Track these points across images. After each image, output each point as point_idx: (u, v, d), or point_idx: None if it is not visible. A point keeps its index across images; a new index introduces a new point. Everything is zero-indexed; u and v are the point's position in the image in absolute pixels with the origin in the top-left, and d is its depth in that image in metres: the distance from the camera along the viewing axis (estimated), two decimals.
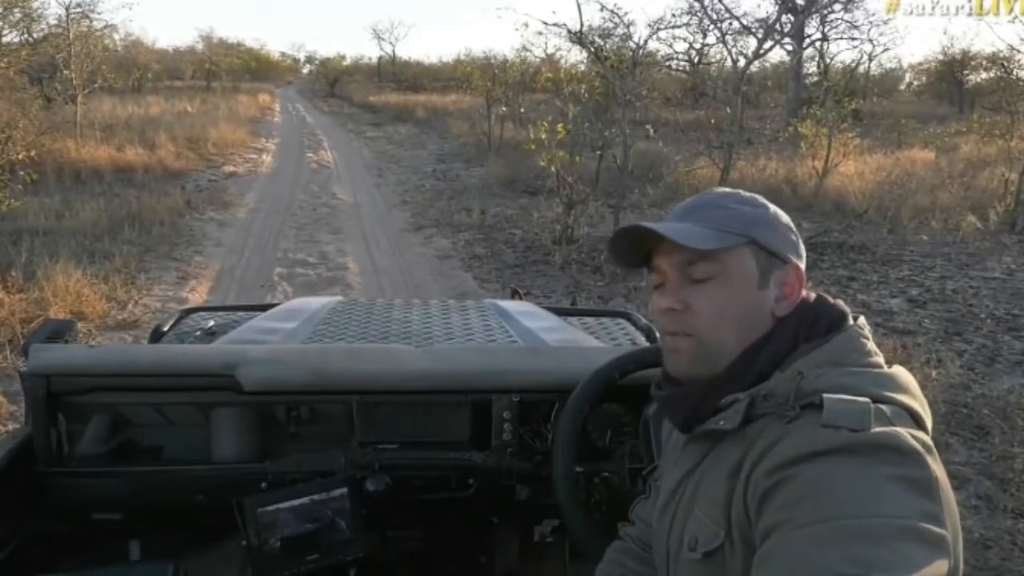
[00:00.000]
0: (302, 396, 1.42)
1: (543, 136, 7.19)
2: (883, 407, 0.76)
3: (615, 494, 1.32)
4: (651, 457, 1.25)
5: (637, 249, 0.96)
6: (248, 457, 1.41)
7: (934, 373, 4.29)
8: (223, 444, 1.41)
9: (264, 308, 2.15)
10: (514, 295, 2.59)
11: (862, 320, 0.90)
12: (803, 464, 0.72)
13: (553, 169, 7.50)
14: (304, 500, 1.31)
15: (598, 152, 8.58)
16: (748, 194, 0.95)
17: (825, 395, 0.76)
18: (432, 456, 1.42)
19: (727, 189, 0.96)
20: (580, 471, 1.32)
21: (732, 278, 0.88)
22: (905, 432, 0.73)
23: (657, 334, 1.89)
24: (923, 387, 0.84)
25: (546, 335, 1.79)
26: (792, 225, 0.94)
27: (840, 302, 0.93)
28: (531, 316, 2.00)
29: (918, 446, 0.72)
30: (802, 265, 0.92)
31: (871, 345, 0.86)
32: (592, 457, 1.37)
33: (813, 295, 0.93)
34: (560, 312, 2.19)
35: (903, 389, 0.81)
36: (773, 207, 0.94)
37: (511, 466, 1.41)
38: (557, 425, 1.31)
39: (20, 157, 7.61)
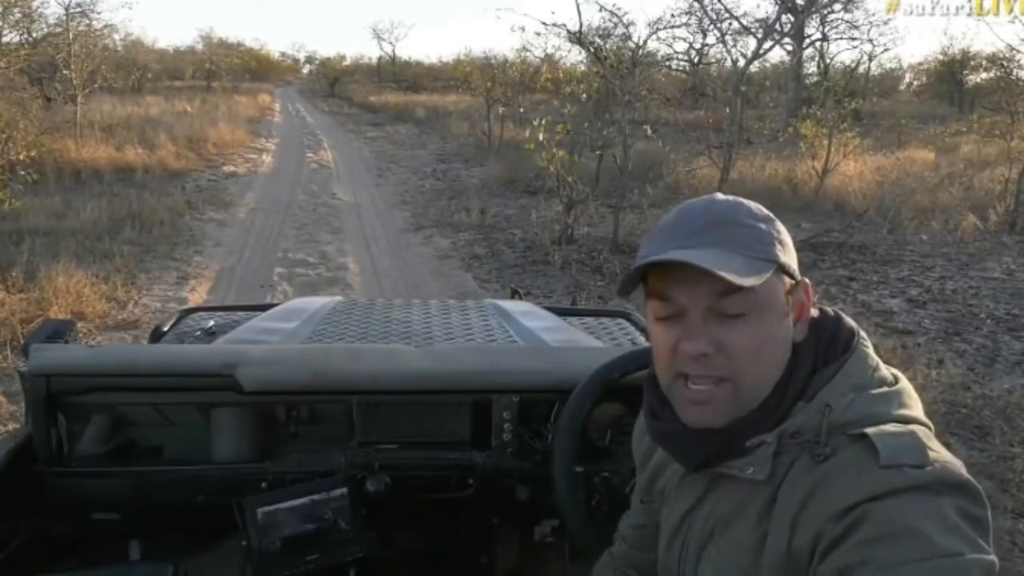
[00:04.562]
0: (302, 396, 1.42)
1: (540, 136, 7.18)
2: (919, 430, 0.76)
3: (615, 494, 1.32)
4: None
5: (639, 276, 0.84)
6: (248, 457, 1.41)
7: (934, 373, 4.29)
8: (223, 444, 1.41)
9: (264, 308, 2.15)
10: (514, 295, 2.59)
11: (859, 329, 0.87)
12: (872, 504, 0.69)
13: (553, 169, 7.49)
14: (304, 500, 1.31)
15: (598, 152, 8.58)
16: (754, 205, 0.85)
17: (870, 432, 0.73)
18: (432, 456, 1.42)
19: (729, 198, 0.85)
20: (580, 471, 1.32)
21: (765, 310, 0.79)
22: (957, 463, 0.73)
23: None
24: (923, 387, 0.85)
25: (546, 335, 1.79)
26: None
27: (842, 312, 0.88)
28: (531, 316, 2.00)
29: (972, 479, 0.72)
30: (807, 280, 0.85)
31: (876, 357, 0.83)
32: (592, 457, 1.37)
33: (816, 310, 0.86)
34: (560, 312, 2.19)
35: (916, 403, 0.81)
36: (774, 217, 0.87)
37: (511, 466, 1.41)
38: (557, 425, 1.31)
39: (20, 157, 7.61)
